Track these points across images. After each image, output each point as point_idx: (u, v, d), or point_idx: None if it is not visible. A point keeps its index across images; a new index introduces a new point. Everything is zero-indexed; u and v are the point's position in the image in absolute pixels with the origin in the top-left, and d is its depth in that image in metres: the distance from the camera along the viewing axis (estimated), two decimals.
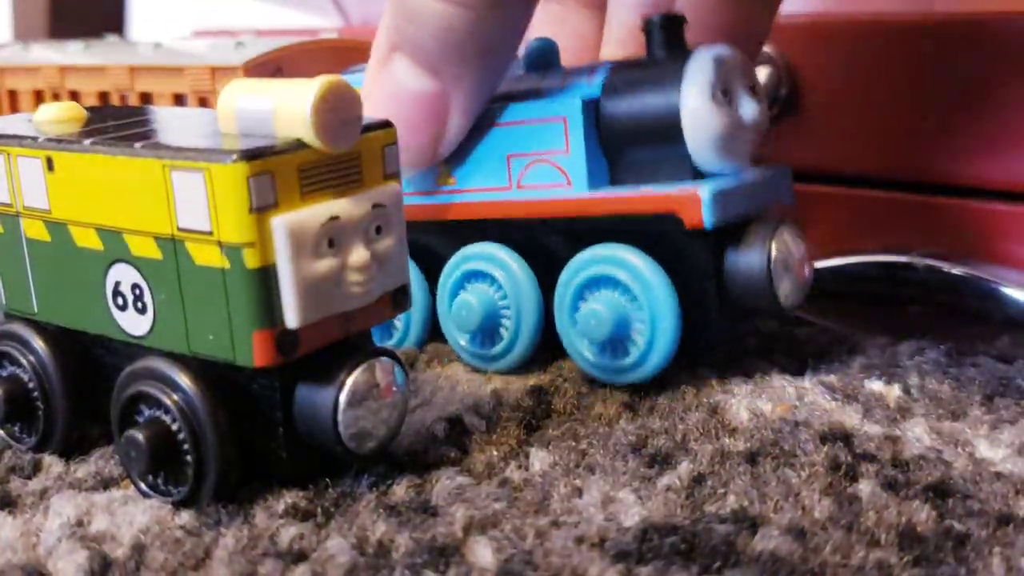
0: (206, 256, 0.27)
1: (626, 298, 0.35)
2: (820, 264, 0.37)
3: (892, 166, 0.48)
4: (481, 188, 0.39)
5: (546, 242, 0.38)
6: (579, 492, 0.29)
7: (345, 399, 0.28)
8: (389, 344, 0.42)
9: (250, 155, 0.26)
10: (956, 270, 0.43)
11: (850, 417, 0.33)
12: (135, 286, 0.29)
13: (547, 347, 0.38)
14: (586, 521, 0.27)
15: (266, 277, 0.27)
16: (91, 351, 0.32)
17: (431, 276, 0.40)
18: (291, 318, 0.27)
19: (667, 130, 0.35)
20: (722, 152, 0.35)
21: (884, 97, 0.47)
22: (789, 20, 0.45)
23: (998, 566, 0.25)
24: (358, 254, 0.28)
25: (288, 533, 0.27)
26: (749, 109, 0.36)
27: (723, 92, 0.35)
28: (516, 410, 0.35)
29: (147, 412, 0.29)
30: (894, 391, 0.35)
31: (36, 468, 0.32)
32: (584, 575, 0.25)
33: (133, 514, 0.29)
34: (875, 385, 0.35)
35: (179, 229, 0.28)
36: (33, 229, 0.31)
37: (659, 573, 0.25)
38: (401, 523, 0.27)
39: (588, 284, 0.36)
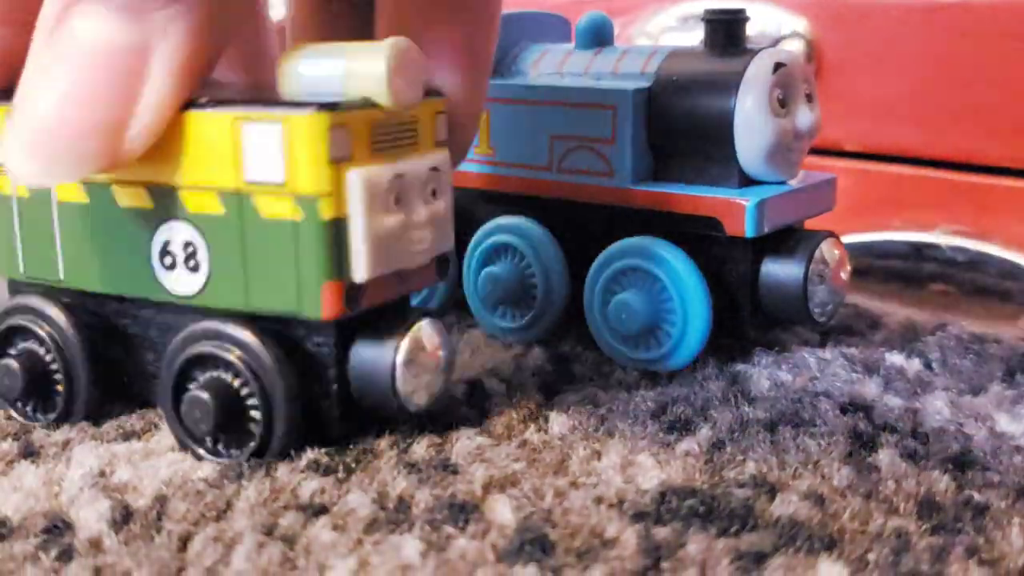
0: (276, 208, 0.27)
1: (659, 292, 0.35)
2: (845, 239, 0.36)
3: (918, 143, 0.48)
4: (519, 164, 0.38)
5: (580, 226, 0.37)
6: (598, 455, 0.29)
7: (402, 358, 0.29)
8: (412, 305, 0.42)
9: (329, 107, 0.27)
10: (980, 248, 0.43)
11: (871, 389, 0.33)
12: (187, 244, 0.29)
13: (569, 315, 0.38)
14: (605, 483, 0.28)
15: (338, 229, 0.27)
16: (115, 323, 0.32)
17: (459, 242, 0.40)
18: (360, 271, 0.28)
19: (718, 133, 0.35)
20: (772, 162, 0.35)
21: (911, 74, 0.47)
22: None
23: (1016, 536, 0.25)
24: (419, 213, 0.29)
25: (309, 487, 0.27)
26: (805, 118, 0.35)
27: (780, 100, 0.34)
28: (536, 375, 0.35)
29: (204, 375, 0.29)
30: (915, 365, 0.35)
31: (59, 420, 0.32)
32: (602, 534, 0.25)
33: (156, 466, 0.29)
34: (896, 358, 0.35)
35: (246, 182, 0.28)
36: (67, 192, 0.31)
37: (677, 534, 0.25)
38: (421, 480, 0.28)
39: (620, 274, 0.36)
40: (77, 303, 0.32)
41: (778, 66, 0.34)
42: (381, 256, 0.28)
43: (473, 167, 0.39)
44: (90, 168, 0.27)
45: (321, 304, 0.28)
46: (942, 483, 0.27)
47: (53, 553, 0.25)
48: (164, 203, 0.29)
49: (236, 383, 0.29)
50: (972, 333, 0.38)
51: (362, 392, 0.29)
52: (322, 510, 0.26)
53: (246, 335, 0.29)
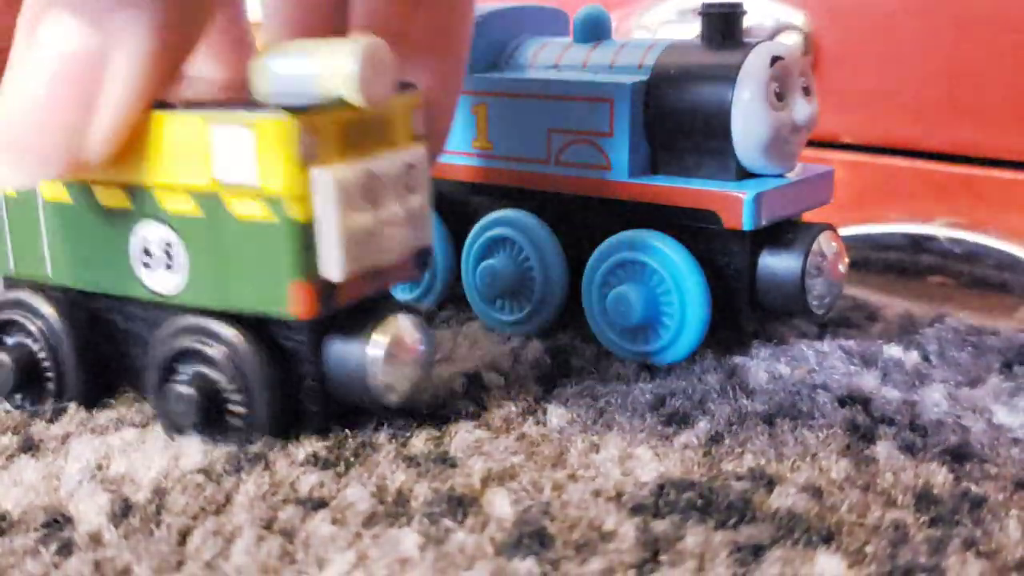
0: (249, 210, 0.28)
1: (657, 285, 0.35)
2: (843, 232, 0.36)
3: (916, 135, 0.48)
4: (518, 157, 0.38)
5: (578, 219, 0.37)
6: (596, 448, 0.29)
7: (375, 353, 0.29)
8: (410, 298, 0.42)
9: (298, 110, 0.27)
10: (978, 240, 0.43)
11: (869, 381, 0.33)
12: (166, 243, 0.29)
13: (567, 308, 0.38)
14: (603, 476, 0.28)
15: (309, 230, 0.27)
16: (104, 317, 0.32)
17: (458, 236, 0.40)
18: (333, 270, 0.28)
19: (716, 126, 0.35)
20: (770, 155, 0.35)
21: (908, 67, 0.47)
22: None
23: (1014, 528, 0.25)
24: (392, 210, 0.29)
25: (308, 481, 0.27)
26: (802, 111, 0.35)
27: (778, 93, 0.34)
28: (534, 368, 0.35)
29: (189, 370, 0.30)
30: (913, 357, 0.35)
31: (58, 413, 0.32)
32: (601, 527, 0.25)
33: (151, 456, 0.29)
34: (894, 351, 0.35)
35: (219, 183, 0.28)
36: (52, 191, 0.31)
37: (675, 527, 0.25)
38: (420, 473, 0.28)
39: (618, 267, 0.36)
40: (67, 298, 0.32)
41: (775, 59, 0.34)
42: (354, 255, 0.28)
43: (471, 160, 0.39)
44: (54, 171, 0.28)
45: (295, 304, 0.28)
46: (940, 475, 0.27)
47: (53, 547, 0.25)
48: (142, 203, 0.29)
49: (220, 379, 0.29)
50: (970, 325, 0.38)
51: (338, 386, 0.29)
52: (321, 504, 0.26)
53: (229, 332, 0.29)
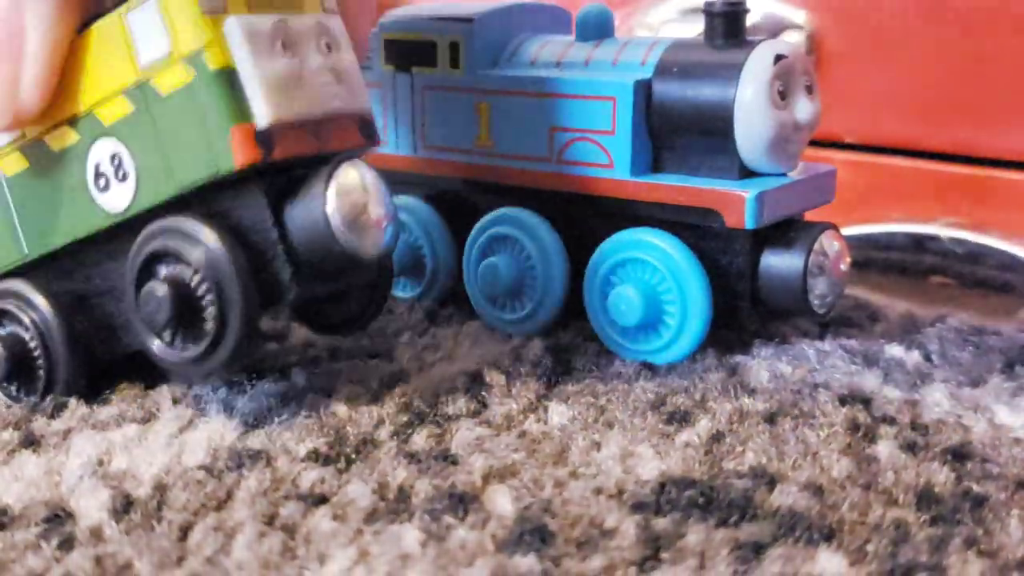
0: (171, 79, 0.28)
1: (658, 284, 0.35)
2: (844, 231, 0.36)
3: (918, 135, 0.48)
4: (519, 156, 0.38)
5: (580, 217, 0.37)
6: (597, 446, 0.29)
7: (333, 192, 0.29)
8: (411, 296, 0.42)
9: None
10: (980, 240, 0.43)
11: (870, 381, 0.33)
12: (114, 156, 0.30)
13: (568, 307, 0.38)
14: (604, 473, 0.28)
15: (231, 77, 0.28)
16: (83, 290, 0.32)
17: (459, 234, 0.40)
18: (261, 114, 0.28)
19: (718, 124, 0.35)
20: (772, 153, 0.35)
21: (910, 66, 0.47)
22: None
23: (1016, 527, 0.25)
24: (314, 60, 0.29)
25: (309, 477, 0.27)
26: (805, 110, 0.35)
27: (780, 92, 0.34)
28: (536, 366, 0.35)
29: (163, 271, 0.29)
30: (914, 356, 0.35)
31: (59, 409, 0.32)
32: (602, 524, 0.25)
33: (152, 452, 0.29)
34: (896, 350, 0.35)
35: (142, 69, 0.29)
36: (10, 164, 0.32)
37: (677, 525, 0.25)
38: (421, 470, 0.28)
39: (620, 266, 0.36)
40: (49, 282, 0.33)
41: (778, 58, 0.34)
42: (280, 99, 0.28)
43: (473, 158, 0.39)
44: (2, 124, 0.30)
45: (233, 152, 0.28)
46: (941, 475, 0.27)
47: (54, 542, 0.25)
48: (86, 129, 0.30)
49: (189, 274, 0.29)
50: (971, 325, 0.38)
51: (306, 241, 0.29)
52: (322, 500, 0.26)
53: (194, 225, 0.29)
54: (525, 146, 0.38)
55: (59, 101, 0.30)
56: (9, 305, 0.33)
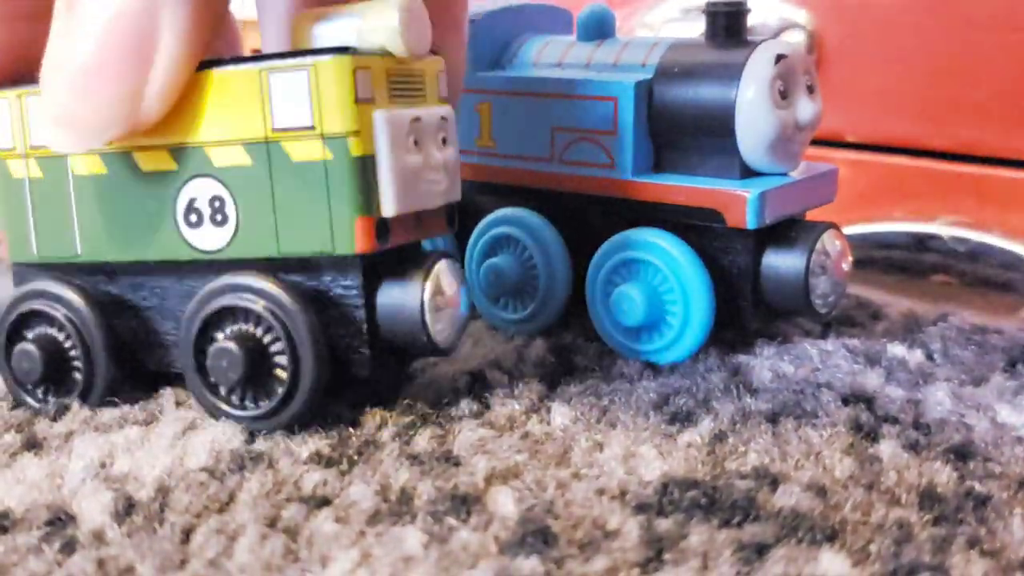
0: (306, 151, 0.29)
1: (660, 284, 0.35)
2: (846, 230, 0.36)
3: (919, 134, 0.48)
4: (521, 156, 0.38)
5: (582, 217, 0.37)
6: (600, 447, 0.29)
7: (431, 286, 0.30)
8: None
9: (352, 51, 0.28)
10: (982, 239, 0.43)
11: (872, 380, 0.33)
12: (215, 198, 0.30)
13: (570, 307, 0.38)
14: (607, 474, 0.28)
15: (365, 167, 0.29)
16: (128, 298, 0.32)
17: (461, 235, 0.40)
18: (388, 205, 0.29)
19: (720, 124, 0.35)
20: (774, 153, 0.35)
21: (912, 65, 0.47)
22: None
23: (1019, 527, 0.25)
24: (434, 156, 0.30)
25: (312, 479, 0.27)
26: (806, 109, 0.35)
27: (782, 92, 0.34)
28: (538, 366, 0.35)
29: (229, 328, 0.30)
30: (917, 356, 0.35)
31: (61, 411, 0.32)
32: (605, 526, 0.25)
33: (154, 454, 0.29)
34: (898, 350, 0.35)
35: (275, 130, 0.29)
36: (85, 165, 0.31)
37: (679, 526, 0.25)
38: (423, 472, 0.28)
39: (622, 266, 0.36)
40: (88, 284, 0.33)
41: (779, 57, 0.34)
42: (406, 193, 0.29)
43: (475, 159, 0.39)
44: (115, 134, 0.28)
45: (354, 239, 0.29)
46: (944, 474, 0.27)
47: (56, 545, 0.25)
48: (188, 162, 0.30)
49: (261, 333, 0.30)
50: (973, 324, 0.38)
51: (392, 331, 0.30)
52: (324, 502, 0.26)
53: (269, 286, 0.29)
54: (526, 146, 0.38)
55: (164, 124, 0.29)
56: (40, 305, 0.33)
